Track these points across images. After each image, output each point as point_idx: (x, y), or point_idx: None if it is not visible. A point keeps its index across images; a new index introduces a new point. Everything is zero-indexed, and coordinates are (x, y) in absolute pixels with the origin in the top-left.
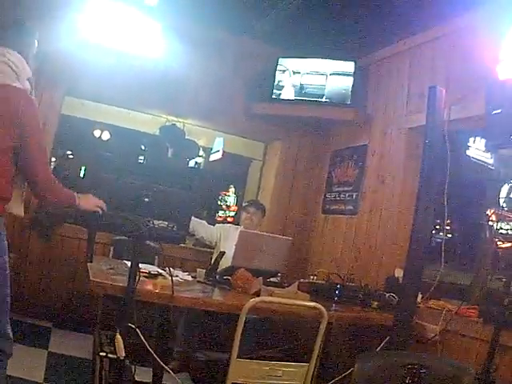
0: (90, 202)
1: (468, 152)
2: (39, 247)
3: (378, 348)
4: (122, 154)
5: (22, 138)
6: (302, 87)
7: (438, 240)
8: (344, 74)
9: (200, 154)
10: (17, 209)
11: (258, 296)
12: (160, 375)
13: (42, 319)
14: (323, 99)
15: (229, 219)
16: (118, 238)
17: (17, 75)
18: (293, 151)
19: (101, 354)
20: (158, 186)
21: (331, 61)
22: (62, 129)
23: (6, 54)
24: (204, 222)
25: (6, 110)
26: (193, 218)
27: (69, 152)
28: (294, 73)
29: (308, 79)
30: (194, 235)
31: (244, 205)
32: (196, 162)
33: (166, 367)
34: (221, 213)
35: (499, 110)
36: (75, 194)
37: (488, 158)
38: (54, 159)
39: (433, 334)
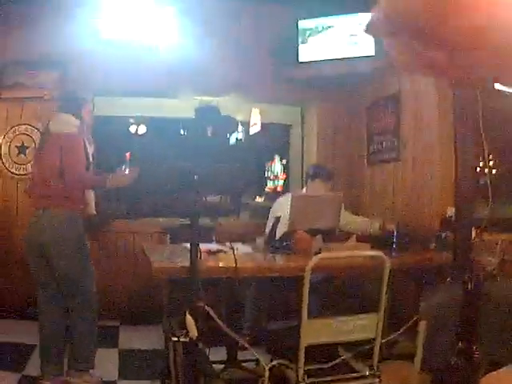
0: (119, 180)
1: (496, 86)
2: (93, 248)
3: None
4: (161, 143)
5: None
6: (325, 46)
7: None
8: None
9: (239, 130)
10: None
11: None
12: (234, 352)
13: (108, 319)
14: (349, 55)
15: (278, 188)
16: (172, 224)
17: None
18: (330, 109)
19: (173, 339)
20: (204, 163)
21: (348, 15)
22: (98, 131)
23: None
24: (269, 219)
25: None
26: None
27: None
28: (316, 33)
29: (330, 37)
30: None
31: (310, 174)
32: (237, 138)
33: (243, 342)
34: (270, 183)
35: None
36: (107, 176)
37: None
38: None
39: (491, 267)
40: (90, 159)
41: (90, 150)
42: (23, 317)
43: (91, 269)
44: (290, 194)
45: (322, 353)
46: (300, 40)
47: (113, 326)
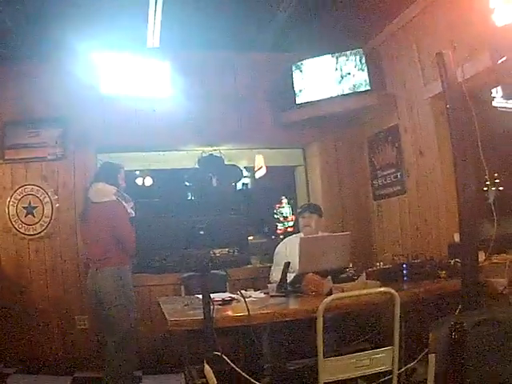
0: None
1: (494, 103)
2: None
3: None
4: (168, 195)
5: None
6: (321, 86)
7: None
8: (357, 63)
9: (245, 175)
10: None
11: (331, 295)
12: None
13: None
14: (344, 92)
15: (289, 229)
16: (186, 275)
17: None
18: (330, 148)
19: None
20: (209, 216)
21: (342, 53)
22: None
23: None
24: (273, 265)
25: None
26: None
27: None
28: (310, 74)
29: (325, 77)
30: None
31: (298, 211)
32: (243, 184)
33: None
34: (280, 225)
35: (505, 58)
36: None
37: None
38: None
39: (501, 288)
40: (133, 213)
41: (129, 206)
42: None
43: (132, 313)
44: (286, 240)
45: None
46: (296, 83)
47: (136, 376)
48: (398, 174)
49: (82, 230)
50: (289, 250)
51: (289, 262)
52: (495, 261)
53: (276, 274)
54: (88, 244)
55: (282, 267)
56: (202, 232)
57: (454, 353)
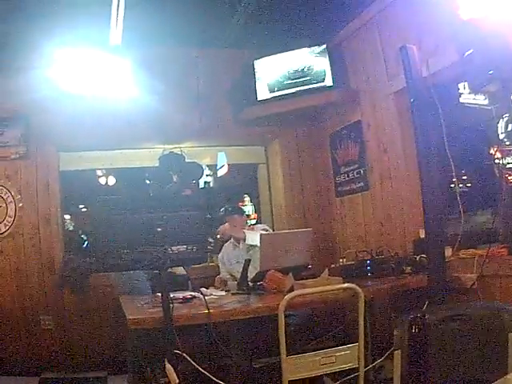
0: None
1: (461, 99)
2: (74, 303)
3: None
4: (130, 193)
5: None
6: (283, 82)
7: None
8: (320, 59)
9: (208, 173)
10: None
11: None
12: None
13: (95, 370)
14: (306, 88)
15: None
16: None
17: None
18: (292, 145)
19: None
20: (168, 213)
21: (304, 49)
22: (67, 186)
23: None
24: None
25: None
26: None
27: (81, 206)
28: (273, 70)
29: (287, 73)
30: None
31: (221, 214)
32: (205, 182)
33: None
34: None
35: (471, 51)
36: None
37: (482, 100)
38: (68, 216)
39: (471, 283)
40: None
41: None
42: None
43: None
44: (223, 248)
45: None
46: (257, 79)
47: (101, 376)
48: (361, 170)
49: None
50: (226, 258)
51: (249, 259)
52: (463, 256)
53: (223, 275)
54: None
55: (225, 271)
56: (159, 229)
57: (414, 347)
